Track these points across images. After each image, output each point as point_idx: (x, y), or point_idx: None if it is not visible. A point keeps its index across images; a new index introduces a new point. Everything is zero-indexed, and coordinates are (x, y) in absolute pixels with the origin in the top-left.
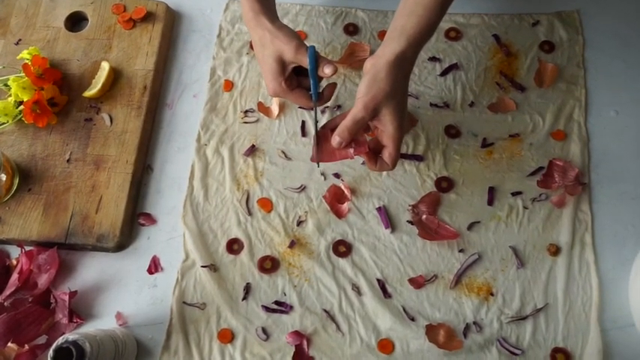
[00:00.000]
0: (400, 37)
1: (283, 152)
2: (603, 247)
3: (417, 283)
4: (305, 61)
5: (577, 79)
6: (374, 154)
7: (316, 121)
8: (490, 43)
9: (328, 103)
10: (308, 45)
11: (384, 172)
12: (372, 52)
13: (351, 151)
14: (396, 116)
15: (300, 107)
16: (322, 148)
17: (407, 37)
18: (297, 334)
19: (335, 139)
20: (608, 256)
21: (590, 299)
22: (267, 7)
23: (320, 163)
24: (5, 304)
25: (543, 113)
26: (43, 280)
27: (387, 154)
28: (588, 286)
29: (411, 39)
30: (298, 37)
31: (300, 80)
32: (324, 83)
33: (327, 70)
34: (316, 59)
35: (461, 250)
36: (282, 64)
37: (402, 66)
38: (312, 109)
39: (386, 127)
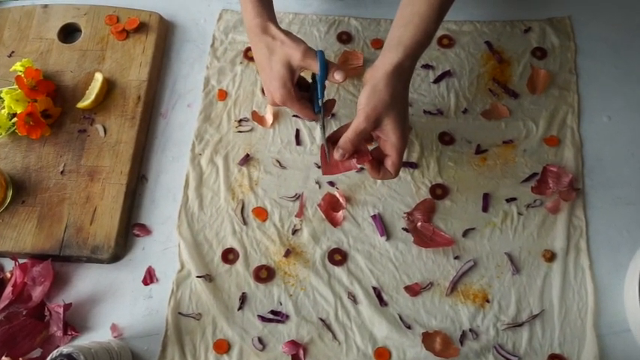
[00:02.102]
0: (398, 47)
1: (278, 161)
2: (598, 252)
3: (413, 290)
4: (313, 66)
5: (569, 85)
6: (377, 162)
7: (323, 127)
8: (482, 50)
9: None
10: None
11: (379, 180)
12: (365, 60)
13: (354, 161)
14: (397, 125)
15: (294, 115)
16: (325, 161)
17: (404, 47)
18: (294, 344)
19: (337, 152)
20: (603, 261)
21: (586, 305)
22: (272, 14)
23: (320, 169)
24: None
25: (536, 119)
26: (37, 293)
27: (390, 163)
28: (584, 291)
29: (409, 49)
30: (305, 42)
31: (302, 95)
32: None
33: (337, 76)
34: (326, 65)
35: (456, 257)
36: (290, 70)
37: (401, 76)
38: (313, 119)
39: (388, 137)
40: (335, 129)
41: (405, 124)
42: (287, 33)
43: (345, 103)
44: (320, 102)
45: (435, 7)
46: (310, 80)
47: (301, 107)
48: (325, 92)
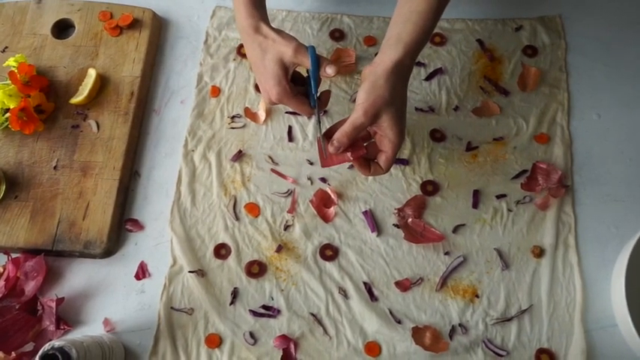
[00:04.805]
0: (397, 44)
1: (270, 157)
2: (586, 248)
3: (403, 286)
4: (305, 62)
5: (560, 82)
6: (365, 161)
7: (319, 122)
8: (474, 47)
9: None
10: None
11: (370, 177)
12: (358, 58)
13: (349, 155)
14: (395, 122)
15: (287, 112)
16: (320, 154)
17: (404, 45)
18: (285, 338)
19: (333, 145)
20: (591, 257)
21: (574, 300)
22: (264, 14)
23: (312, 163)
24: None
25: (527, 117)
26: (30, 287)
27: (383, 158)
28: (572, 287)
29: (408, 47)
30: (297, 39)
31: (297, 89)
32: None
33: (329, 71)
34: (317, 60)
35: (446, 253)
36: (284, 67)
37: (401, 73)
38: (311, 115)
39: (386, 133)
40: (328, 124)
41: (402, 121)
42: (278, 31)
43: (338, 100)
44: (315, 97)
45: (432, 5)
46: (305, 74)
47: (298, 103)
48: (319, 86)
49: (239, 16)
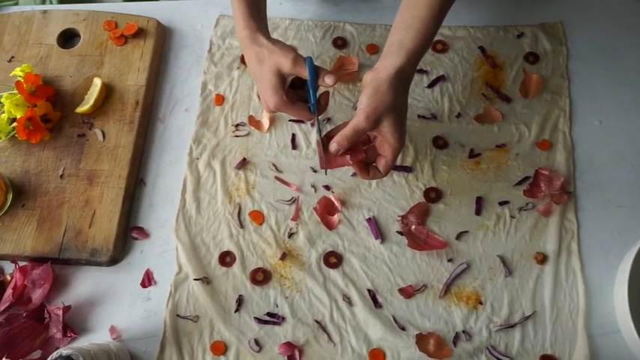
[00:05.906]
0: (399, 51)
1: (274, 165)
2: (589, 254)
3: (407, 292)
4: (303, 72)
5: (561, 89)
6: (364, 165)
7: (319, 130)
8: (476, 54)
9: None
10: (304, 56)
11: (374, 184)
12: (360, 65)
13: (348, 157)
14: (396, 127)
15: (290, 120)
16: (320, 156)
17: (406, 52)
18: (290, 345)
19: (332, 146)
20: (594, 263)
21: (577, 306)
22: (262, 24)
23: (316, 171)
24: None
25: (529, 123)
26: (37, 295)
27: (383, 163)
28: (575, 293)
29: (410, 53)
30: (295, 50)
31: (297, 93)
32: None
33: (328, 80)
34: (315, 69)
35: (450, 260)
36: (281, 77)
37: (403, 79)
38: (311, 120)
39: (387, 138)
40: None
41: (403, 127)
42: (275, 42)
43: (341, 108)
44: (313, 104)
45: (435, 11)
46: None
47: (297, 110)
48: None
49: (237, 28)
